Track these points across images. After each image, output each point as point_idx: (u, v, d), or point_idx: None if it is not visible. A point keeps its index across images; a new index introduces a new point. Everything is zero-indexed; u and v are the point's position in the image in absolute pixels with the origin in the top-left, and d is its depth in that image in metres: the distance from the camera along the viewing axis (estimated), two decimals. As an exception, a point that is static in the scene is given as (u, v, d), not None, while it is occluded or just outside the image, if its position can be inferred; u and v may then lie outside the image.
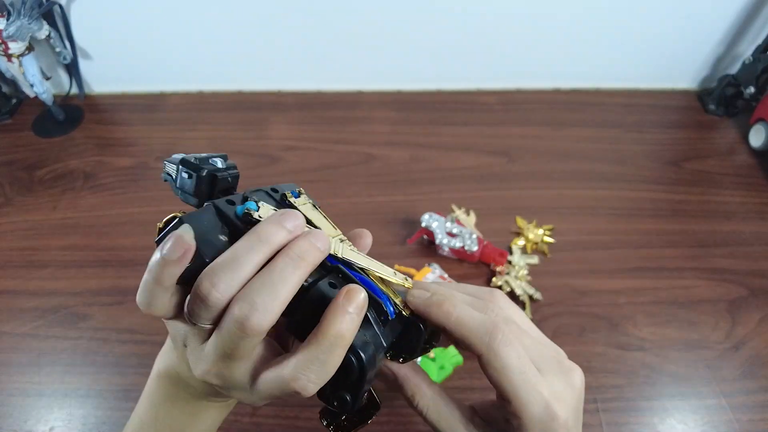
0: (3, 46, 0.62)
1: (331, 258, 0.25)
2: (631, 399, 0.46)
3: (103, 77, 0.74)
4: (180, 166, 0.26)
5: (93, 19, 0.67)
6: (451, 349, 0.46)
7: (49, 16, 0.64)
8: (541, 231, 0.58)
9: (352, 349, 0.22)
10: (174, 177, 0.26)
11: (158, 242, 0.23)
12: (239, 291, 0.22)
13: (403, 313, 0.25)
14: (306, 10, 0.66)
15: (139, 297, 0.23)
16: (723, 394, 0.46)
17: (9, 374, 0.48)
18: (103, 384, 0.47)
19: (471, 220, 0.58)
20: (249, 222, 0.23)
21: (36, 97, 0.68)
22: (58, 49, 0.66)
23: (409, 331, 0.26)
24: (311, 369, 0.22)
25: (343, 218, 0.59)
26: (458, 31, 0.69)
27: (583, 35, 0.70)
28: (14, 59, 0.63)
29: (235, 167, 0.27)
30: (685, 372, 0.48)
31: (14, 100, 0.73)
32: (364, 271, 0.25)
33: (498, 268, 0.54)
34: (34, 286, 0.54)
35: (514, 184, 0.63)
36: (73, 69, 0.71)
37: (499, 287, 0.53)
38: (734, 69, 0.71)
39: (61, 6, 0.64)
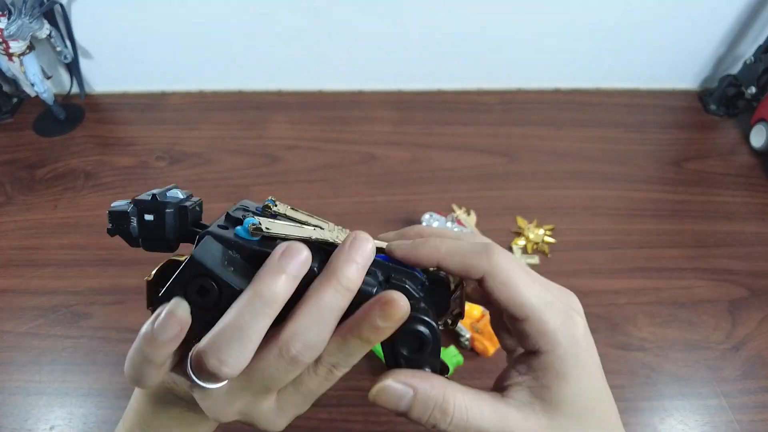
0: (4, 45, 0.62)
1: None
2: (631, 399, 0.46)
3: (103, 76, 0.74)
4: (136, 209, 0.22)
5: (94, 18, 0.67)
6: (452, 349, 0.46)
7: (49, 16, 0.64)
8: (541, 231, 0.58)
9: (423, 321, 0.21)
10: (128, 225, 0.22)
11: (155, 303, 0.21)
12: (287, 327, 0.20)
13: (430, 269, 0.24)
14: (307, 9, 0.66)
15: (128, 370, 0.21)
16: (723, 395, 0.46)
17: (9, 373, 0.48)
18: (103, 383, 0.47)
19: (472, 219, 0.59)
20: (261, 238, 0.22)
21: (37, 97, 0.68)
22: (58, 49, 0.67)
23: (434, 289, 0.24)
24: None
25: (344, 218, 0.60)
26: (459, 31, 0.69)
27: (583, 35, 0.70)
28: (15, 58, 0.63)
29: (192, 195, 0.25)
30: (685, 372, 0.48)
31: (15, 100, 0.73)
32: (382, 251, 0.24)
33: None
34: (35, 285, 0.54)
35: (514, 184, 0.63)
36: (73, 68, 0.71)
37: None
38: (735, 69, 0.71)
39: (62, 5, 0.65)
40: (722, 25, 0.69)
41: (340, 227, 0.26)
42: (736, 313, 0.52)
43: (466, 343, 0.48)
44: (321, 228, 0.24)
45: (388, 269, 0.23)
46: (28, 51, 0.64)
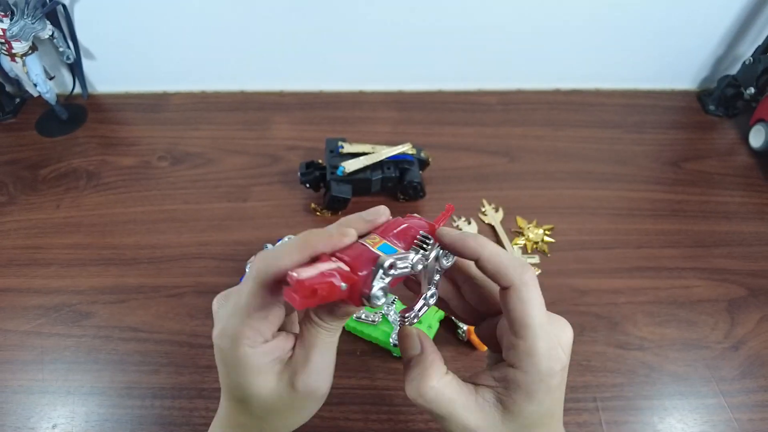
0: (6, 45, 0.62)
1: None
2: (630, 398, 0.46)
3: (106, 77, 0.74)
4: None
5: (96, 18, 0.67)
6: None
7: (52, 16, 0.65)
8: (541, 231, 0.58)
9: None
10: None
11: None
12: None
13: None
14: (308, 10, 0.66)
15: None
16: (722, 394, 0.46)
17: (12, 371, 0.48)
18: (106, 381, 0.47)
19: (498, 216, 0.59)
20: None
21: (39, 97, 0.68)
22: (61, 49, 0.67)
23: None
24: None
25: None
26: (459, 32, 0.69)
27: (583, 36, 0.70)
28: (18, 59, 0.64)
29: None
30: (684, 371, 0.48)
31: (18, 100, 0.74)
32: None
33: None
34: (38, 284, 0.54)
35: (514, 184, 0.64)
36: (76, 68, 0.71)
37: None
38: (734, 70, 0.71)
39: (64, 6, 0.65)
40: (721, 25, 0.69)
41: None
42: (734, 312, 0.52)
43: (463, 335, 0.48)
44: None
45: None
46: (30, 51, 0.64)
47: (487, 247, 0.26)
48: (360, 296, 0.24)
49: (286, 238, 0.54)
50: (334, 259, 0.24)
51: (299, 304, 0.22)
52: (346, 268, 0.24)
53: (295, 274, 0.22)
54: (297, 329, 0.29)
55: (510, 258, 0.26)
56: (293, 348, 0.27)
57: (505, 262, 0.25)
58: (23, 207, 0.61)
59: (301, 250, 0.24)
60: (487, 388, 0.26)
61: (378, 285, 0.24)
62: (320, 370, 0.26)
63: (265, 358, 0.25)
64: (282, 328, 0.27)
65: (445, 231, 0.28)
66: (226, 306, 0.26)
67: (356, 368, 0.47)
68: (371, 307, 0.24)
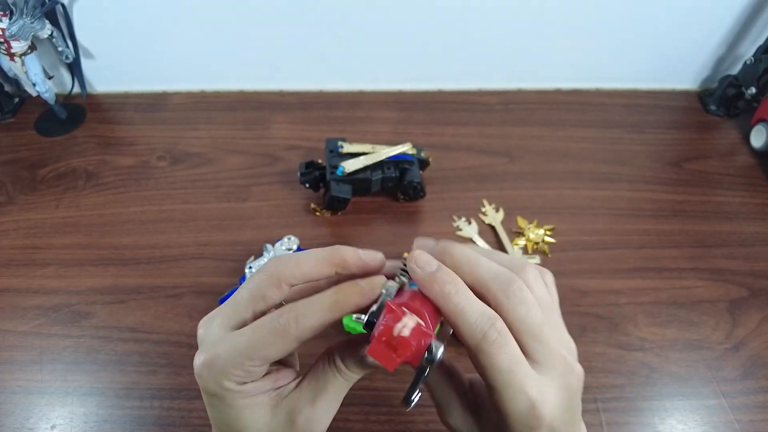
0: (5, 45, 0.62)
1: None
2: (631, 399, 0.46)
3: (105, 76, 0.74)
4: None
5: (95, 18, 0.67)
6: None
7: (51, 16, 0.65)
8: (541, 231, 0.58)
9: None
10: None
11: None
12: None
13: None
14: (308, 10, 0.66)
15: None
16: (723, 395, 0.46)
17: (11, 372, 0.48)
18: (104, 382, 0.47)
19: (499, 216, 0.59)
20: None
21: (38, 97, 0.68)
22: (60, 49, 0.67)
23: None
24: None
25: (345, 217, 0.60)
26: (459, 31, 0.69)
27: (583, 35, 0.70)
28: (17, 58, 0.63)
29: None
30: (685, 372, 0.48)
31: (17, 99, 0.73)
32: None
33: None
34: (36, 284, 0.54)
35: (514, 184, 0.63)
36: (75, 68, 0.71)
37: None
38: (735, 69, 0.71)
39: (63, 5, 0.65)
40: (722, 25, 0.69)
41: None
42: (736, 313, 0.52)
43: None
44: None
45: None
46: (29, 51, 0.64)
47: (450, 303, 0.21)
48: (422, 356, 0.20)
49: (285, 239, 0.54)
50: (406, 310, 0.19)
51: (393, 367, 0.19)
52: (422, 323, 0.19)
53: (399, 326, 0.18)
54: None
55: (474, 318, 0.21)
56: (297, 381, 0.25)
57: (464, 326, 0.21)
58: (22, 207, 0.61)
59: (329, 262, 0.21)
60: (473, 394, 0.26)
61: (443, 345, 0.20)
62: (326, 413, 0.25)
63: (255, 391, 0.23)
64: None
65: (421, 262, 0.23)
66: (211, 327, 0.23)
67: (356, 369, 0.47)
68: (426, 367, 0.20)
